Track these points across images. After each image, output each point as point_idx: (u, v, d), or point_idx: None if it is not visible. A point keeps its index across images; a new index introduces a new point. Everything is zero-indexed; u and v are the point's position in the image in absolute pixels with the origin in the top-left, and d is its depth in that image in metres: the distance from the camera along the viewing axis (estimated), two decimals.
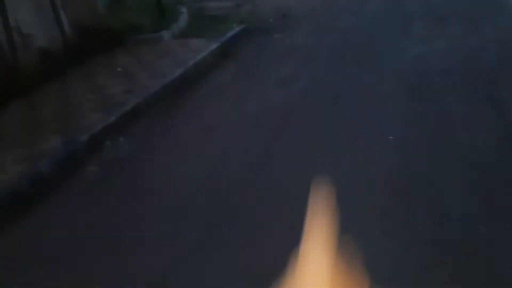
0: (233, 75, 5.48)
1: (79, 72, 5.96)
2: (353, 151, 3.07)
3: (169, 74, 5.26)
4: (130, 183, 3.38)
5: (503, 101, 3.33)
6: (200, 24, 8.05)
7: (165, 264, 2.23)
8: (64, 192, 3.29)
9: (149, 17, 7.92)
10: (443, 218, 2.24)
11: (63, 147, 3.73)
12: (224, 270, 2.07)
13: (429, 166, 2.70)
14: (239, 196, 2.84)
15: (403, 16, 5.88)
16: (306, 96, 4.25)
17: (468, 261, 1.88)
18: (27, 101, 4.91)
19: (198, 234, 2.47)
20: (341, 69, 4.74)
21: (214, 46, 6.27)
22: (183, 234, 2.50)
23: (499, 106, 3.27)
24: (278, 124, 3.83)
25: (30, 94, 5.04)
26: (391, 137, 3.02)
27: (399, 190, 2.51)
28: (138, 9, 8.77)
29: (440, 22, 5.33)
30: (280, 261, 1.81)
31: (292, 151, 3.27)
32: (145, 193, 3.16)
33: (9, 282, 2.25)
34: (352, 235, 1.88)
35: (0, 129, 4.23)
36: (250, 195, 2.82)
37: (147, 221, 2.74)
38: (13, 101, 4.85)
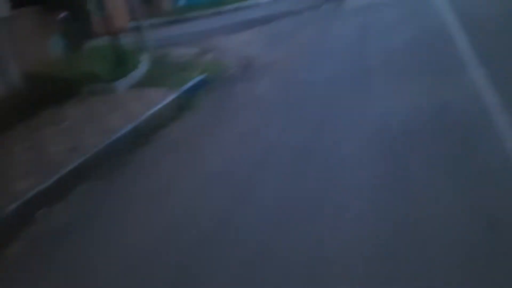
0: (190, 129, 5.16)
1: (25, 127, 5.51)
2: (315, 223, 2.76)
3: (120, 129, 4.88)
4: (61, 263, 2.92)
5: (471, 167, 3.11)
6: (160, 72, 7.78)
7: None
8: None
9: (107, 65, 7.61)
10: None
11: None
12: None
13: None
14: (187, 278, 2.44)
15: (365, 71, 5.78)
16: (266, 158, 3.94)
17: None
18: None
19: None
20: (303, 126, 4.50)
21: (171, 97, 5.97)
22: None
23: (465, 173, 3.04)
24: (236, 190, 3.49)
25: None
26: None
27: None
28: (96, 56, 8.47)
29: (402, 76, 5.22)
30: None
31: (253, 222, 2.92)
32: (76, 278, 2.71)
33: None
34: None
35: None
36: (201, 277, 2.43)
37: None
38: None
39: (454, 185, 2.91)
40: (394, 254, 2.34)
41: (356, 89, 5.21)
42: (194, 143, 4.71)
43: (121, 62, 7.62)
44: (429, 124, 3.89)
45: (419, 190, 2.95)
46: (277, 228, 2.83)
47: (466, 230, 2.44)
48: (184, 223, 3.16)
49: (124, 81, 6.85)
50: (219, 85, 6.73)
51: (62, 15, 9.25)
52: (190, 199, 3.51)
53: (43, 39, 8.11)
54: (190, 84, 6.64)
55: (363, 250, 2.42)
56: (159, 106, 5.60)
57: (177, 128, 5.20)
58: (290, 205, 3.11)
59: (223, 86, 6.62)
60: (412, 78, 5.09)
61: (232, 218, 3.06)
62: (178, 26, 16.38)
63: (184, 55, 9.74)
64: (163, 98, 5.88)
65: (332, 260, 2.38)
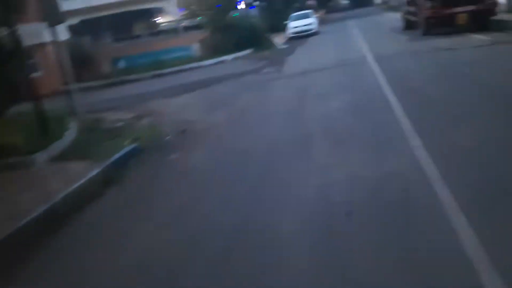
0: (112, 210, 4.58)
1: None
2: None
3: (29, 213, 4.22)
4: None
5: (417, 251, 2.81)
6: (89, 141, 7.20)
7: None
8: None
9: (28, 135, 6.94)
10: None
11: None
12: None
13: None
14: None
15: (305, 138, 5.58)
16: (196, 244, 3.46)
17: None
18: None
19: None
20: (238, 202, 4.10)
21: (96, 171, 5.40)
22: None
23: (414, 259, 2.74)
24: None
25: None
26: None
27: None
28: (18, 124, 7.78)
29: (341, 146, 5.04)
30: None
31: None
32: None
33: None
34: None
35: None
36: None
37: None
38: None
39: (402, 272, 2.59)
40: None
41: (296, 159, 4.95)
42: (114, 227, 4.12)
43: (44, 131, 6.98)
44: (372, 199, 3.64)
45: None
46: None
47: None
48: None
49: (45, 153, 6.20)
50: (152, 154, 6.25)
51: None
52: None
53: None
54: (119, 154, 6.11)
55: None
56: (80, 182, 5.00)
57: (98, 208, 4.61)
58: None
59: (156, 156, 6.15)
60: (353, 147, 4.92)
61: None
62: (117, 89, 15.93)
63: (119, 120, 9.24)
64: (86, 173, 5.30)
65: None
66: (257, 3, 28.00)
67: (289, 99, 8.23)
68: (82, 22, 27.06)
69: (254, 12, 26.25)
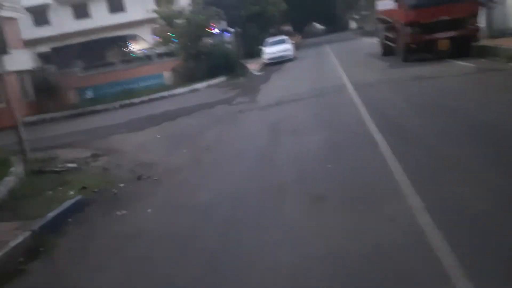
0: None
1: None
2: None
3: None
4: None
5: None
6: (29, 190, 6.16)
7: None
8: None
9: None
10: None
11: None
12: None
13: None
14: None
15: (276, 190, 4.68)
16: None
17: None
18: None
19: None
20: (192, 276, 3.16)
21: (22, 237, 4.36)
22: None
23: None
24: None
25: None
26: None
27: None
28: None
29: (320, 204, 4.15)
30: None
31: None
32: None
33: None
34: None
35: None
36: None
37: None
38: None
39: None
40: None
41: (264, 222, 4.02)
42: None
43: None
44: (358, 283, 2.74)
45: None
46: None
47: None
48: None
49: None
50: (98, 209, 5.24)
51: None
52: None
53: None
54: (58, 211, 5.08)
55: None
56: None
57: None
58: None
59: (101, 211, 5.14)
60: (335, 206, 4.03)
61: None
62: (80, 121, 14.82)
63: (72, 160, 8.20)
64: (8, 240, 4.26)
65: None
66: (231, 29, 27.51)
67: (260, 136, 7.37)
68: (54, 49, 26.01)
69: (228, 38, 25.71)
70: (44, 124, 15.43)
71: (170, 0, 23.47)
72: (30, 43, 28.26)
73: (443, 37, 12.11)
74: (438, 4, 12.15)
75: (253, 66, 21.64)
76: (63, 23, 29.06)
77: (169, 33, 20.15)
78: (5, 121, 16.28)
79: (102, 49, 24.59)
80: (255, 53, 25.71)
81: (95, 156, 8.27)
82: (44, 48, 27.51)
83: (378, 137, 5.89)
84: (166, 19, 20.07)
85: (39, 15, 29.18)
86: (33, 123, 15.93)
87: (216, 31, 21.81)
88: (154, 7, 22.89)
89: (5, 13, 16.53)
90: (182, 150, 7.41)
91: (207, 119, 10.14)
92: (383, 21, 16.36)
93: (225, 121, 9.56)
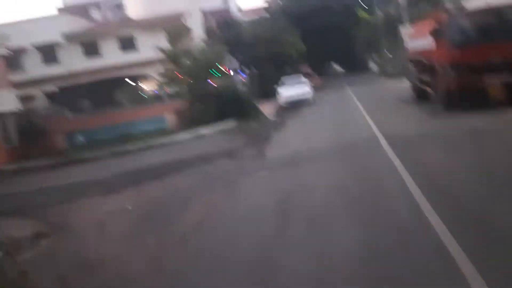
0: None
1: None
2: None
3: None
4: None
5: None
6: None
7: None
8: None
9: None
10: None
11: None
12: None
13: None
14: None
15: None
16: None
17: None
18: None
19: None
20: None
21: None
22: None
23: None
24: None
25: None
26: None
27: None
28: None
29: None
30: None
31: None
32: None
33: None
34: None
35: None
36: None
37: None
38: None
39: None
40: None
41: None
42: None
43: None
44: None
45: None
46: None
47: None
48: None
49: None
50: None
51: None
52: None
53: None
54: None
55: None
56: None
57: None
58: None
59: None
60: None
61: None
62: (59, 172, 12.67)
63: (6, 240, 5.99)
64: None
65: None
66: (245, 69, 25.83)
67: (261, 224, 5.02)
68: (61, 89, 24.69)
69: (242, 78, 23.92)
70: (20, 174, 13.41)
71: (182, 39, 21.95)
72: (37, 82, 27.06)
73: (495, 82, 9.78)
74: (489, 41, 9.92)
75: (267, 109, 19.59)
76: (73, 61, 27.85)
77: (176, 73, 18.40)
78: None
79: (111, 88, 23.14)
80: (271, 95, 23.79)
81: (36, 237, 6.08)
82: (52, 87, 26.24)
83: (453, 246, 3.50)
84: (173, 58, 18.37)
85: (48, 53, 28.08)
86: (10, 173, 13.98)
87: (227, 71, 20.06)
88: (167, 45, 21.22)
89: None
90: (148, 239, 5.10)
91: (199, 182, 7.89)
92: (415, 62, 14.16)
93: (220, 187, 7.28)
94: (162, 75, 19.32)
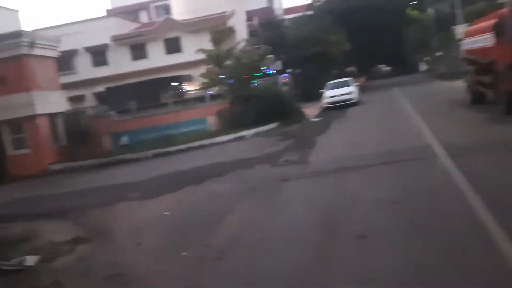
0: None
1: None
2: None
3: None
4: None
5: None
6: None
7: None
8: None
9: None
10: None
11: None
12: None
13: None
14: None
15: None
16: None
17: None
18: None
19: None
20: None
21: None
22: None
23: None
24: None
25: None
26: None
27: None
28: None
29: None
30: None
31: None
32: None
33: None
34: None
35: None
36: None
37: None
38: None
39: None
40: None
41: None
42: None
43: None
44: None
45: None
46: None
47: None
48: None
49: None
50: None
51: None
52: None
53: None
54: None
55: None
56: None
57: None
58: None
59: None
60: None
61: None
62: (104, 172, 12.83)
63: (41, 247, 5.91)
64: None
65: None
66: (288, 70, 25.31)
67: (305, 237, 4.60)
68: (108, 89, 25.30)
69: (284, 79, 23.42)
70: (67, 174, 13.69)
71: (226, 40, 21.76)
72: (88, 83, 27.95)
73: None
74: None
75: (311, 111, 19.04)
76: (120, 63, 28.53)
77: (217, 74, 18.26)
78: (28, 168, 14.95)
79: (156, 89, 23.41)
80: (315, 96, 23.15)
81: (74, 243, 5.96)
82: (101, 88, 26.97)
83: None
84: (215, 59, 18.23)
85: (98, 56, 28.93)
86: (57, 172, 14.31)
87: (269, 72, 19.67)
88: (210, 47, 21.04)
89: (40, 52, 15.46)
90: (181, 253, 4.80)
91: (238, 188, 7.54)
92: (472, 61, 13.14)
93: (260, 195, 6.92)
94: (205, 76, 19.25)
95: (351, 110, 18.38)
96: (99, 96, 27.10)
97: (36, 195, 10.85)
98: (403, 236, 4.22)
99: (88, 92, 28.23)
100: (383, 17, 34.10)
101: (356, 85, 22.45)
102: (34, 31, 18.20)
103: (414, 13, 35.00)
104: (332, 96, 20.13)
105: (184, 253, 4.76)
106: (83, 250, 5.65)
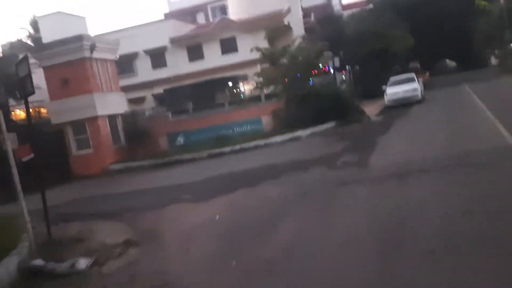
0: None
1: None
2: None
3: None
4: None
5: None
6: None
7: None
8: None
9: None
10: None
11: None
12: None
13: None
14: None
15: None
16: None
17: None
18: None
19: None
20: None
21: None
22: None
23: None
24: None
25: None
26: None
27: None
28: None
29: None
30: None
31: None
32: None
33: None
34: None
35: None
36: None
37: None
38: None
39: None
40: None
41: None
42: None
43: None
44: None
45: None
46: None
47: None
48: None
49: None
50: None
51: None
52: None
53: None
54: None
55: None
56: None
57: None
58: None
59: None
60: None
61: None
62: (160, 173, 12.95)
63: (94, 250, 5.87)
64: None
65: None
66: (347, 67, 24.38)
67: (365, 250, 4.12)
68: (165, 90, 25.88)
69: (344, 76, 22.59)
70: (126, 174, 14.01)
71: (281, 37, 21.34)
72: (148, 85, 28.79)
73: None
74: None
75: (372, 109, 18.14)
76: (178, 65, 29.07)
77: (273, 73, 17.91)
78: (90, 168, 15.48)
79: (212, 90, 23.60)
80: (376, 94, 22.12)
81: (125, 245, 5.87)
82: (160, 90, 27.66)
83: None
84: (270, 57, 17.88)
85: (157, 58, 29.66)
86: (117, 172, 14.71)
87: (327, 69, 19.01)
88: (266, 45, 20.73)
89: (100, 55, 15.96)
90: (230, 262, 4.49)
91: (293, 192, 7.15)
92: None
93: (316, 200, 6.47)
94: (260, 75, 18.98)
95: (415, 108, 17.28)
96: (157, 97, 27.82)
97: (95, 194, 11.13)
98: (479, 253, 3.61)
99: (148, 94, 29.05)
100: (449, 8, 32.04)
101: (420, 82, 21.11)
102: (96, 36, 18.91)
103: (483, 3, 32.56)
104: (394, 93, 19.04)
105: (233, 263, 4.45)
106: (133, 254, 5.53)
